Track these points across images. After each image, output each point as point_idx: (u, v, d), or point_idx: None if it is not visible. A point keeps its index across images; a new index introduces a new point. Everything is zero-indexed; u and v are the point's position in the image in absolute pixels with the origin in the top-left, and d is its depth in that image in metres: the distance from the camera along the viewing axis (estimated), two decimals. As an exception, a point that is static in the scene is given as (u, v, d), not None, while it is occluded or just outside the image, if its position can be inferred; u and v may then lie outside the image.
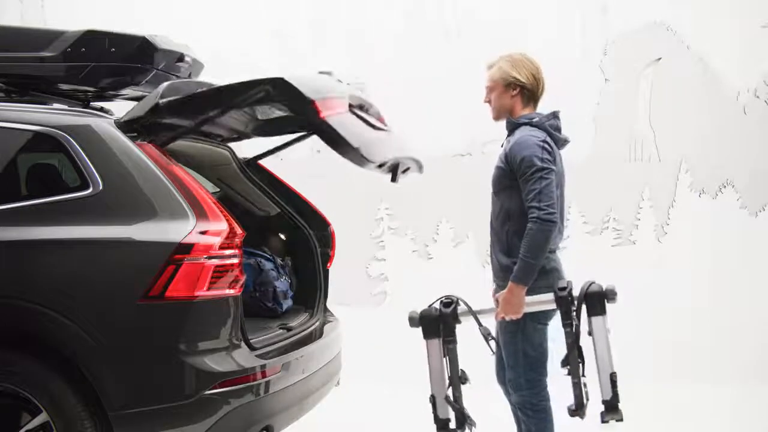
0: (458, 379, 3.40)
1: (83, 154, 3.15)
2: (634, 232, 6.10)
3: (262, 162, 4.43)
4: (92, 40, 3.57)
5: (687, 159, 6.06)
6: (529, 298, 3.30)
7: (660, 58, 6.10)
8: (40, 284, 3.03)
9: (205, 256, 3.02)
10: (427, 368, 3.47)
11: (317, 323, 4.07)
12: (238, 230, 3.17)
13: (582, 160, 5.79)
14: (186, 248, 3.00)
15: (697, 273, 5.96)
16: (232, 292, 3.13)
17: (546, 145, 3.33)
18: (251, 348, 3.26)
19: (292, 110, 3.32)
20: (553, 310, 3.38)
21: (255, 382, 3.15)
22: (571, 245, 5.66)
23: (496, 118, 3.55)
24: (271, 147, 4.35)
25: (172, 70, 3.82)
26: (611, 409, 3.26)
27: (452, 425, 3.43)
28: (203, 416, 3.03)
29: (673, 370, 5.82)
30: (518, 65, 3.47)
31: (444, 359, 3.43)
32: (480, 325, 3.39)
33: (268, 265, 4.17)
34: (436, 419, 3.45)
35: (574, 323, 3.29)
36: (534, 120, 3.42)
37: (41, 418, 3.04)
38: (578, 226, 6.07)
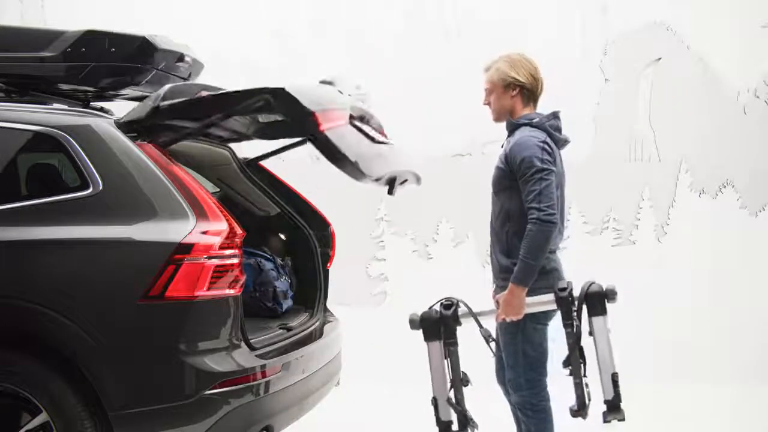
0: (460, 381, 3.39)
1: (83, 154, 3.15)
2: (634, 232, 6.10)
3: (263, 162, 4.43)
4: (92, 40, 3.56)
5: (687, 159, 6.07)
6: (529, 299, 3.30)
7: (660, 58, 6.10)
8: (40, 284, 3.03)
9: (205, 256, 3.02)
10: (427, 369, 3.47)
11: (317, 323, 4.07)
12: (238, 230, 3.17)
13: (582, 160, 5.78)
14: (186, 248, 3.00)
15: (697, 273, 5.96)
16: (232, 292, 3.13)
17: (546, 146, 3.33)
18: (251, 348, 3.25)
19: (293, 121, 3.32)
20: (553, 311, 3.38)
21: (255, 382, 3.15)
22: (571, 245, 5.66)
23: (497, 119, 3.55)
24: (271, 148, 4.35)
25: (172, 70, 3.82)
26: (613, 408, 3.26)
27: (455, 427, 3.42)
28: (203, 416, 3.03)
29: (673, 370, 5.82)
30: (516, 65, 3.46)
31: (445, 361, 3.43)
32: (481, 326, 3.39)
33: (268, 265, 4.17)
34: (439, 421, 3.44)
35: (575, 323, 3.29)
36: (534, 120, 3.42)
37: (41, 418, 3.04)
38: (578, 226, 6.07)
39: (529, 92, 3.48)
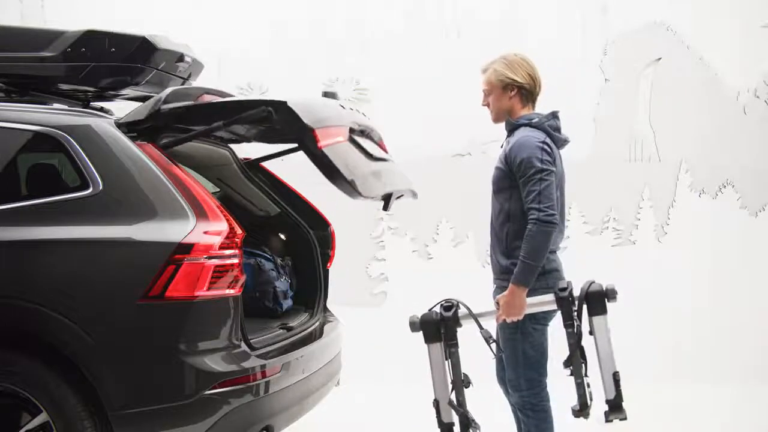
0: (461, 382, 3.39)
1: (83, 154, 3.15)
2: (634, 232, 6.10)
3: (263, 162, 4.43)
4: (92, 40, 3.56)
5: (687, 159, 6.07)
6: (529, 299, 3.29)
7: (660, 58, 6.10)
8: (40, 284, 3.03)
9: (205, 256, 3.02)
10: (427, 368, 3.46)
11: (317, 323, 4.07)
12: (238, 230, 3.17)
13: (582, 160, 5.78)
14: (186, 248, 3.00)
15: (697, 273, 5.97)
16: (232, 292, 3.13)
17: (545, 146, 3.32)
18: (251, 348, 3.25)
19: (292, 135, 3.33)
20: (553, 311, 3.38)
21: (255, 382, 3.15)
22: (571, 245, 5.66)
23: (496, 120, 3.54)
24: (272, 149, 4.35)
25: (172, 70, 3.82)
26: (615, 408, 3.25)
27: (456, 429, 3.41)
28: (203, 416, 3.03)
29: (673, 370, 5.82)
30: (514, 66, 3.45)
31: (446, 363, 3.42)
32: (481, 328, 3.37)
33: (268, 265, 4.17)
34: (441, 424, 3.42)
35: (575, 323, 3.28)
36: (533, 120, 3.42)
37: (41, 418, 3.04)
38: (578, 226, 6.07)
39: (528, 92, 3.47)
